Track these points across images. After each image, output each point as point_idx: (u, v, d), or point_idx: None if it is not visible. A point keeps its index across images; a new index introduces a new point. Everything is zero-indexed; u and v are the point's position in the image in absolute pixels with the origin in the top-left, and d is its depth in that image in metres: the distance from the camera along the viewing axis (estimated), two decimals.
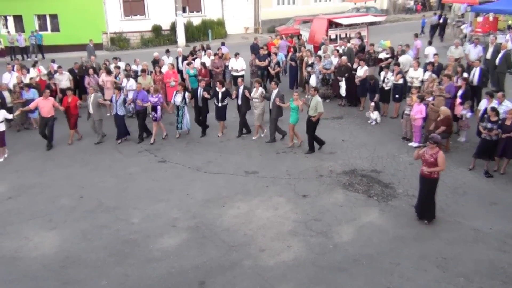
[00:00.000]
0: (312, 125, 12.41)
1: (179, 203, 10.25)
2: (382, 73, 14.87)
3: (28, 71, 16.52)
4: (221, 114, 13.84)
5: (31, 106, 13.57)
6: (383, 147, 12.67)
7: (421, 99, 12.24)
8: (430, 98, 12.50)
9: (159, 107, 13.53)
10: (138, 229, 9.32)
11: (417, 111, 12.18)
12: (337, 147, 12.88)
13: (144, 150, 13.27)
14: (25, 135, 14.63)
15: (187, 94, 13.74)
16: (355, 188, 10.59)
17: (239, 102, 13.62)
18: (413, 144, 12.43)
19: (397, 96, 14.63)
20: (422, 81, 14.41)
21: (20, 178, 11.88)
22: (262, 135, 13.80)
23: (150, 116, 13.84)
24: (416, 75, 14.46)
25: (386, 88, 14.62)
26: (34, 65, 17.36)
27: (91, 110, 13.60)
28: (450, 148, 12.20)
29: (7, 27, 28.84)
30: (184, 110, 13.74)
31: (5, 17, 28.87)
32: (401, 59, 15.90)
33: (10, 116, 13.11)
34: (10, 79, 15.88)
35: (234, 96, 13.65)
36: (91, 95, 13.65)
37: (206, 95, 13.53)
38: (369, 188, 10.56)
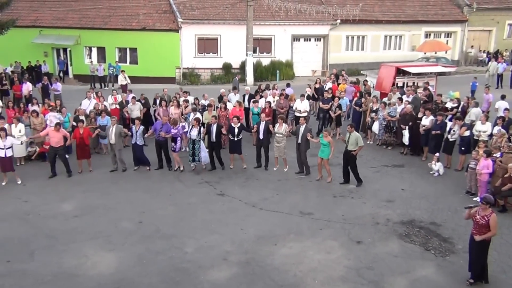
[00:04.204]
0: (353, 159, 13.04)
1: (233, 237, 10.40)
2: (449, 124, 14.54)
3: (105, 99, 17.65)
4: (236, 148, 14.45)
5: (42, 134, 14.26)
6: (444, 200, 12.27)
7: (488, 154, 11.83)
8: (498, 154, 12.06)
9: (179, 139, 14.13)
10: (191, 258, 9.54)
11: (484, 166, 11.75)
12: (396, 195, 12.62)
13: (204, 182, 13.64)
14: (95, 158, 15.44)
15: (202, 129, 14.17)
16: (412, 239, 10.28)
17: (261, 137, 14.23)
18: (478, 199, 11.94)
19: (463, 148, 14.20)
20: (491, 135, 13.95)
21: (87, 199, 12.55)
22: (275, 169, 14.44)
23: (170, 147, 14.35)
24: (483, 129, 14.02)
25: (451, 139, 14.27)
26: (112, 94, 18.53)
27: (113, 140, 14.10)
28: None
29: (90, 57, 31.08)
30: (201, 144, 14.09)
31: (90, 48, 31.17)
32: (474, 110, 15.55)
33: (18, 142, 13.70)
34: (89, 105, 17.04)
35: (254, 130, 14.57)
36: (113, 126, 14.14)
37: (224, 131, 14.18)
38: (426, 240, 10.21)
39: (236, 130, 14.17)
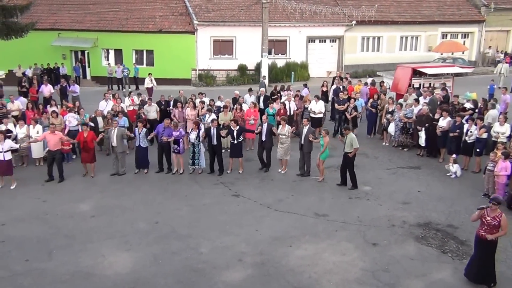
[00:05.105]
0: (349, 161, 12.98)
1: (248, 238, 10.43)
2: (466, 125, 14.39)
3: (122, 101, 17.85)
4: (236, 151, 14.29)
5: (39, 138, 14.22)
6: (461, 202, 12.13)
7: (506, 155, 11.67)
8: None
9: (181, 141, 14.15)
10: (206, 259, 9.59)
11: (502, 168, 11.60)
12: (412, 197, 12.53)
13: (220, 183, 13.69)
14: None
15: (201, 132, 14.13)
16: (428, 242, 10.20)
17: (264, 138, 14.23)
18: None
19: (477, 150, 14.05)
20: (510, 137, 13.76)
21: (104, 199, 12.71)
22: (281, 171, 14.41)
23: (173, 149, 14.23)
24: (502, 130, 13.83)
25: (469, 141, 14.11)
26: (128, 95, 18.75)
27: (114, 143, 14.06)
28: None
29: (108, 59, 31.44)
30: (200, 147, 14.13)
31: (107, 50, 31.53)
32: (491, 112, 15.36)
33: (16, 146, 13.64)
34: (106, 106, 17.25)
35: (258, 130, 14.49)
36: (115, 129, 14.14)
37: (223, 134, 14.07)
38: (443, 243, 10.12)
39: (235, 133, 14.10)
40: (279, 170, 14.43)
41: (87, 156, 14.23)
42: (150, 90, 24.64)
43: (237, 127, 14.21)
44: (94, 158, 14.37)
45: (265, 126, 14.35)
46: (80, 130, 15.63)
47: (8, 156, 13.32)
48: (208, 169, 14.42)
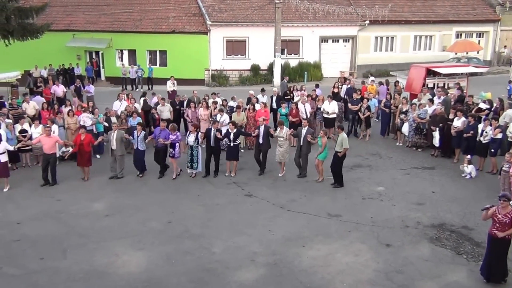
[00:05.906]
0: (337, 160, 12.98)
1: (260, 238, 10.42)
2: (481, 126, 14.22)
3: (135, 101, 17.96)
4: (233, 153, 14.18)
5: (34, 142, 14.07)
6: (477, 203, 11.92)
7: None
8: None
9: (177, 145, 13.96)
10: (218, 259, 9.60)
11: None
12: (426, 198, 12.41)
13: (233, 183, 13.70)
14: (127, 159, 15.64)
15: (199, 134, 14.02)
16: (442, 243, 10.09)
17: (261, 141, 14.09)
18: None
19: (492, 150, 13.87)
20: None
21: (117, 198, 12.79)
22: (280, 175, 14.21)
23: (169, 153, 14.09)
24: None
25: (483, 141, 13.93)
26: (143, 96, 18.86)
27: (114, 146, 13.92)
28: None
29: (122, 60, 31.68)
30: (198, 150, 13.95)
31: (121, 51, 31.77)
32: (508, 112, 15.16)
33: (11, 148, 13.47)
34: (120, 106, 17.37)
35: (255, 134, 14.35)
36: (115, 132, 13.99)
37: (219, 136, 13.89)
38: (458, 245, 10.00)
39: (232, 136, 13.96)
40: (279, 175, 14.23)
41: (82, 159, 14.02)
42: (173, 93, 23.76)
43: (235, 130, 14.09)
44: (90, 162, 14.16)
45: (262, 128, 14.16)
46: (94, 130, 15.78)
47: (4, 158, 13.17)
48: (204, 172, 14.23)
